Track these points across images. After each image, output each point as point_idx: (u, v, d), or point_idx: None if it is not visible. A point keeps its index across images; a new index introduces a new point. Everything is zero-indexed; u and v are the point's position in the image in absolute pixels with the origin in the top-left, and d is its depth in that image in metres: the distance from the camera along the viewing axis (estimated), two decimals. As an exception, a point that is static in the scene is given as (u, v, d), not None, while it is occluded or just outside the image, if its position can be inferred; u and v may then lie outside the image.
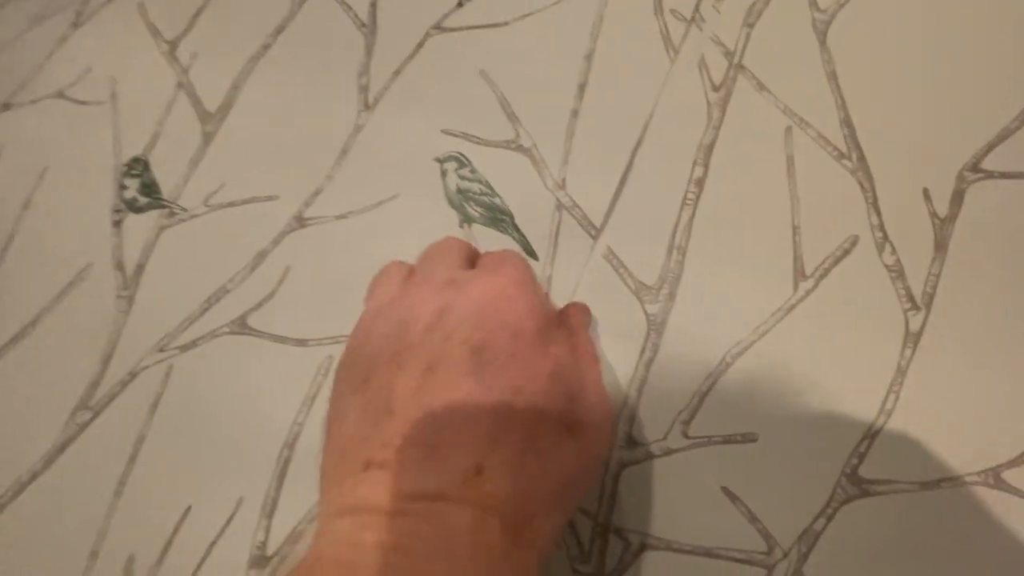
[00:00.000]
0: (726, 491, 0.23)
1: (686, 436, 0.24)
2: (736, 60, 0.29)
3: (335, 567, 0.16)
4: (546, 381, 0.19)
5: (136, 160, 0.34)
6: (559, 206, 0.28)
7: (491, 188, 0.29)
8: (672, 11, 0.31)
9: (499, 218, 0.29)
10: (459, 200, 0.30)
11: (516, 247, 0.28)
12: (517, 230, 0.29)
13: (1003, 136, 0.25)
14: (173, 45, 0.38)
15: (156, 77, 0.37)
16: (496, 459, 0.17)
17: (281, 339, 0.28)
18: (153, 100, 0.36)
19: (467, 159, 0.30)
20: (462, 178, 0.30)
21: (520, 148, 0.30)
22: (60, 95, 0.38)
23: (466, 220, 0.29)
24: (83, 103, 0.37)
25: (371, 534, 0.16)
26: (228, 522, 0.26)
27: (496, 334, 0.18)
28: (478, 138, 0.31)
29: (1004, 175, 0.25)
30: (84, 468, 0.28)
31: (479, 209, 0.29)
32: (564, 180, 0.29)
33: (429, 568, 0.16)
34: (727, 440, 0.24)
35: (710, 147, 0.28)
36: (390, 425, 0.17)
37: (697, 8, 0.31)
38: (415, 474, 0.17)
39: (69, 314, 0.31)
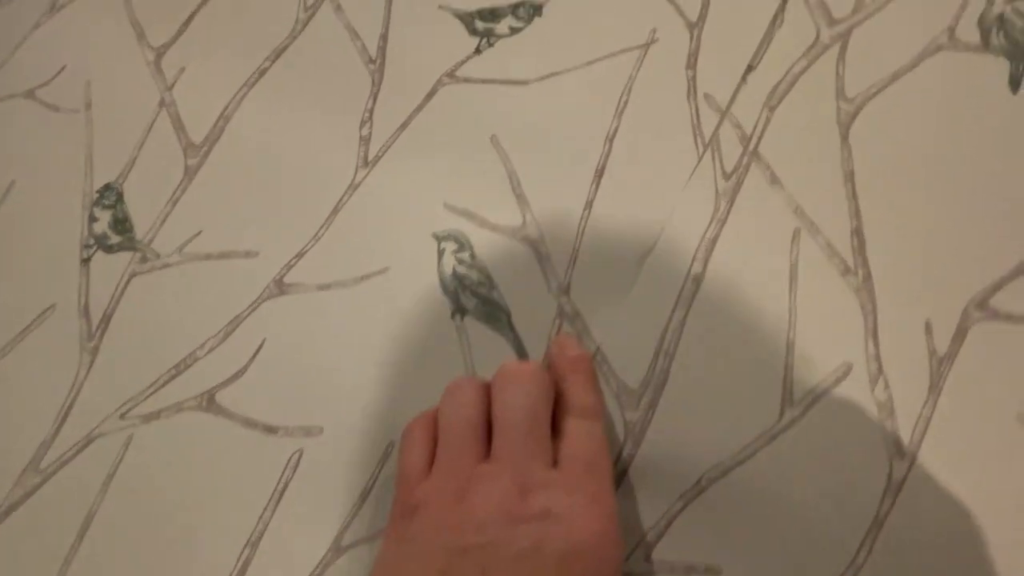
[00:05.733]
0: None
1: (648, 560, 0.23)
2: (752, 146, 0.27)
3: None
4: None
5: (109, 188, 0.32)
6: (560, 312, 0.26)
7: (490, 279, 0.27)
8: (706, 95, 0.29)
9: (495, 315, 0.27)
10: (454, 286, 0.28)
11: (508, 347, 0.26)
12: (512, 330, 0.27)
13: (1018, 272, 0.23)
14: (159, 53, 0.34)
15: (138, 89, 0.33)
16: None
17: (250, 423, 0.27)
18: (132, 117, 0.33)
19: (468, 242, 0.28)
20: (460, 262, 0.28)
21: (526, 239, 0.28)
22: (30, 95, 0.35)
23: (459, 311, 0.27)
24: (55, 109, 0.34)
25: None
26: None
27: None
28: (483, 219, 0.28)
29: (1011, 318, 0.23)
30: (29, 538, 0.26)
31: (474, 301, 0.27)
32: (569, 285, 0.27)
33: None
34: (690, 570, 0.23)
35: (712, 242, 0.26)
36: None
37: (734, 98, 0.28)
38: None
39: (26, 360, 0.29)
